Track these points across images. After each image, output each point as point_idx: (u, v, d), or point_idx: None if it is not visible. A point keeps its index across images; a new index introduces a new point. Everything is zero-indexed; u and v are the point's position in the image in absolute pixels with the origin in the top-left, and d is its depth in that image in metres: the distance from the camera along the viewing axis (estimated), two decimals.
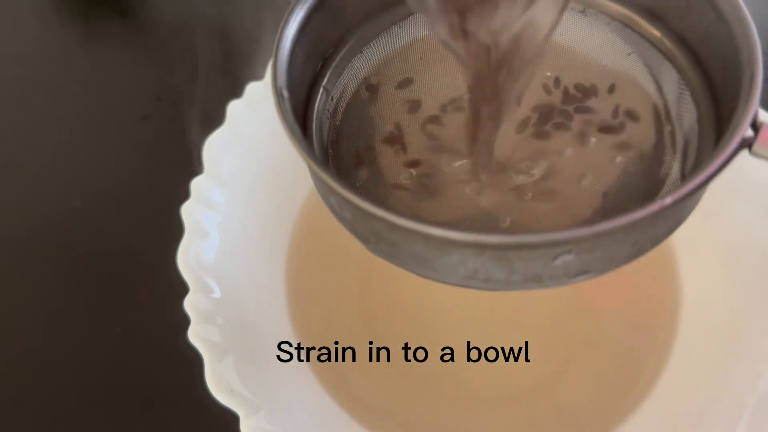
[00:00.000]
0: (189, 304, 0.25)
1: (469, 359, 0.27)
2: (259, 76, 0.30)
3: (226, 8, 0.39)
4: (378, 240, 0.19)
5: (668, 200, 0.16)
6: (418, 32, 0.23)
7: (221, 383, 0.24)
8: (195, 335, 0.24)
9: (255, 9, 0.38)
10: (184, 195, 0.27)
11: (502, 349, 0.28)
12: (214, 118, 0.29)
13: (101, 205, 0.33)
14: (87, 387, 0.29)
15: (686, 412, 0.26)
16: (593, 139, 0.22)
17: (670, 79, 0.22)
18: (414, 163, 0.22)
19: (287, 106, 0.19)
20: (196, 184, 0.28)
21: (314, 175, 0.20)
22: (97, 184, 0.33)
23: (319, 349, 0.28)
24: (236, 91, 0.30)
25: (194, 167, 0.28)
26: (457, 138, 0.22)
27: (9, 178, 0.34)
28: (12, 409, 0.28)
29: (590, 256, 0.18)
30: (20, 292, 0.31)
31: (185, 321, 0.25)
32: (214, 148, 0.29)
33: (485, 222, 0.21)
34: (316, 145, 0.21)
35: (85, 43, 0.39)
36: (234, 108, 0.29)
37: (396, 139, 0.22)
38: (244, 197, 0.29)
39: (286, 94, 0.19)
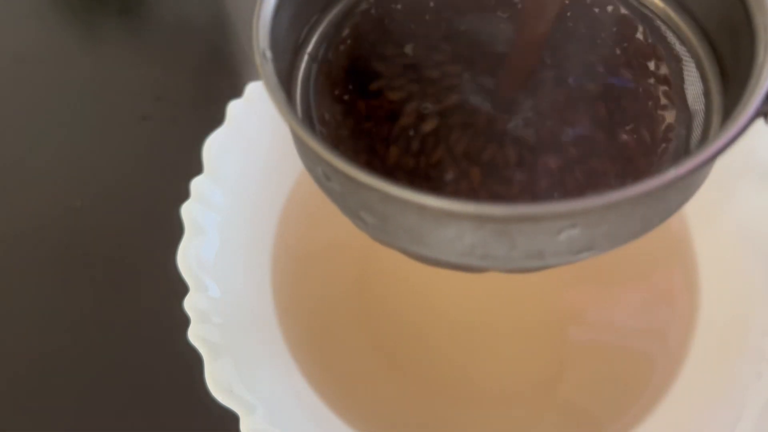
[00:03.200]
0: (189, 304, 0.25)
1: (472, 357, 0.27)
2: (259, 77, 0.30)
3: (226, 8, 0.39)
4: (368, 213, 0.18)
5: (681, 170, 0.15)
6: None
7: (221, 383, 0.24)
8: (194, 335, 0.24)
9: (255, 8, 0.38)
10: (184, 195, 0.27)
11: (507, 346, 0.28)
12: (214, 118, 0.29)
13: (101, 205, 0.33)
14: (86, 387, 0.29)
15: (696, 416, 0.26)
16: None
17: (674, 50, 0.21)
18: (407, 126, 0.21)
19: (270, 67, 0.18)
20: (196, 184, 0.28)
21: (300, 144, 0.19)
22: (97, 184, 0.33)
23: (318, 349, 0.28)
24: (236, 91, 0.30)
25: (194, 167, 0.28)
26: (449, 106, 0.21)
27: (9, 178, 0.34)
28: (11, 409, 0.28)
29: (596, 230, 0.17)
30: (20, 291, 0.31)
31: (185, 321, 0.25)
32: (214, 148, 0.29)
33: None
34: (301, 114, 0.20)
35: (85, 43, 0.39)
36: (234, 108, 0.29)
37: (387, 105, 0.21)
38: (244, 197, 0.29)
39: (269, 55, 0.18)
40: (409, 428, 0.27)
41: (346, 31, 0.22)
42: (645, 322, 0.28)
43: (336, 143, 0.20)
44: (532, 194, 0.19)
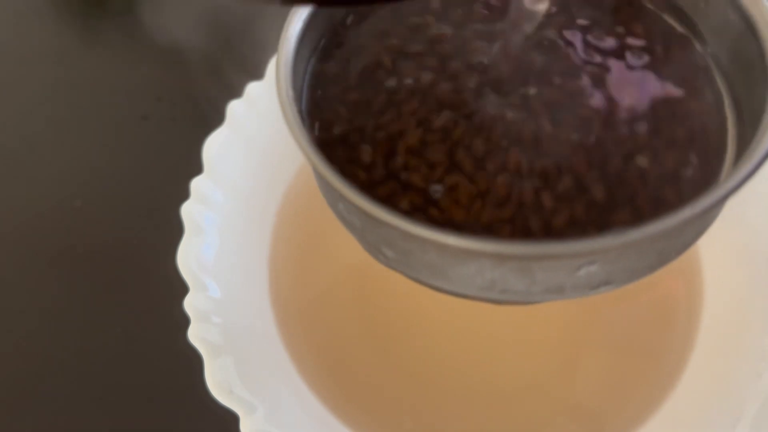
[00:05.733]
0: (189, 304, 0.25)
1: (473, 357, 0.27)
2: (259, 76, 0.30)
3: (226, 8, 0.39)
4: (389, 249, 0.18)
5: (697, 208, 0.16)
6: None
7: (221, 383, 0.24)
8: (195, 335, 0.24)
9: (255, 9, 0.38)
10: (184, 195, 0.27)
11: (509, 346, 0.28)
12: (214, 118, 0.30)
13: (101, 205, 0.33)
14: (86, 387, 0.29)
15: (696, 416, 0.26)
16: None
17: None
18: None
19: (293, 108, 0.18)
20: (196, 184, 0.28)
21: (321, 181, 0.19)
22: (97, 184, 0.33)
23: (318, 349, 0.28)
24: (236, 91, 0.30)
25: (194, 167, 0.28)
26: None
27: (9, 177, 0.34)
28: (11, 409, 0.28)
29: (615, 266, 0.17)
30: (19, 291, 0.31)
31: (185, 321, 0.25)
32: (214, 148, 0.29)
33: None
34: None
35: (85, 43, 0.39)
36: (234, 108, 0.29)
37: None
38: (244, 197, 0.29)
39: (291, 94, 0.18)
40: (409, 429, 0.27)
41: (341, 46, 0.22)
42: (648, 322, 0.28)
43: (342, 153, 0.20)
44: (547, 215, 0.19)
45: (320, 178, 0.19)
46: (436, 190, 0.19)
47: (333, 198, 0.19)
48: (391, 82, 0.21)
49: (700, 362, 0.27)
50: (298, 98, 0.19)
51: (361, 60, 0.21)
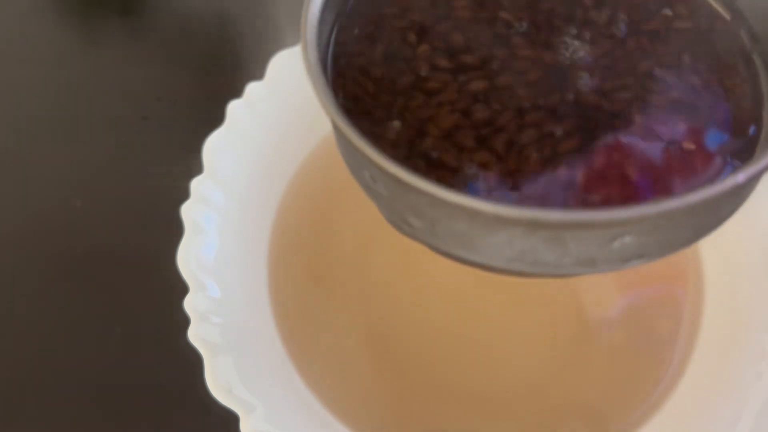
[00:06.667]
0: (189, 304, 0.25)
1: (474, 358, 0.27)
2: (259, 76, 0.30)
3: (226, 8, 0.39)
4: (416, 217, 0.18)
5: (741, 178, 0.15)
6: None
7: (221, 383, 0.24)
8: (195, 335, 0.25)
9: (255, 9, 0.38)
10: (184, 195, 0.27)
11: (510, 345, 0.28)
12: (214, 118, 0.30)
13: (101, 205, 0.33)
14: (86, 387, 0.29)
15: (696, 416, 0.26)
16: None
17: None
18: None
19: (319, 72, 0.17)
20: (196, 184, 0.28)
21: (346, 147, 0.18)
22: (97, 184, 0.33)
23: (317, 350, 0.28)
24: (236, 91, 0.30)
25: (194, 167, 0.28)
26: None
27: (8, 177, 0.34)
28: (11, 410, 0.28)
29: (650, 238, 0.17)
30: (19, 292, 0.31)
31: (185, 321, 0.25)
32: (214, 148, 0.29)
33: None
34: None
35: (85, 43, 0.39)
36: (234, 108, 0.29)
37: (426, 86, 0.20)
38: (244, 197, 0.29)
39: (316, 56, 0.18)
40: (409, 429, 0.27)
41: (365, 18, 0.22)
42: (649, 322, 0.28)
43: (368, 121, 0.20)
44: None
45: (346, 144, 0.18)
46: (470, 170, 0.18)
47: (358, 165, 0.19)
48: (417, 62, 0.20)
49: (700, 362, 0.27)
50: (323, 63, 0.18)
51: (386, 33, 0.21)
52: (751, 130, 0.20)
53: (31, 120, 0.36)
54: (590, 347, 0.28)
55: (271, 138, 0.30)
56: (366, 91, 0.20)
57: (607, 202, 0.18)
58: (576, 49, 0.20)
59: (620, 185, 0.18)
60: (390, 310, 0.29)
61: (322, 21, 0.19)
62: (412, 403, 0.27)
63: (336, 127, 0.17)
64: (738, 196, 0.18)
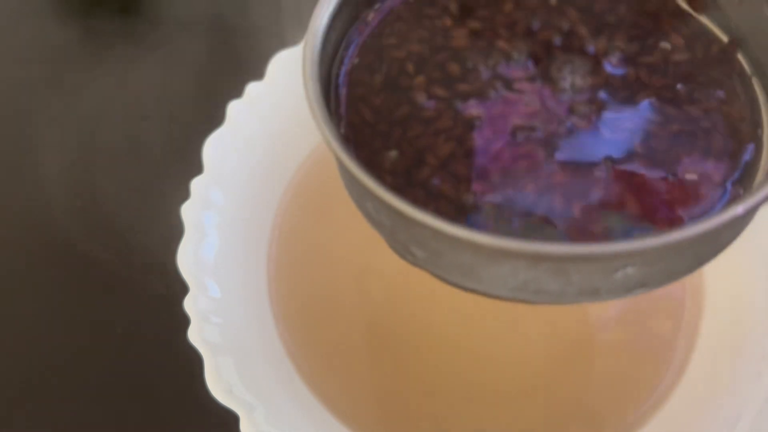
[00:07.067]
0: (189, 304, 0.25)
1: (474, 357, 0.27)
2: (259, 76, 0.30)
3: (226, 8, 0.39)
4: (419, 248, 0.18)
5: (740, 210, 0.16)
6: None
7: (221, 383, 0.24)
8: (195, 335, 0.25)
9: (255, 9, 0.38)
10: (184, 195, 0.27)
11: (509, 345, 0.28)
12: (214, 118, 0.30)
13: (101, 205, 0.33)
14: (86, 387, 0.29)
15: (696, 416, 0.26)
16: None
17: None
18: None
19: (321, 105, 0.18)
20: (196, 184, 0.28)
21: (349, 178, 0.18)
22: (97, 184, 0.33)
23: (317, 349, 0.28)
24: (236, 91, 0.30)
25: (194, 167, 0.28)
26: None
27: (9, 177, 0.34)
28: (11, 409, 0.28)
29: (652, 268, 0.17)
30: (19, 291, 0.31)
31: (185, 321, 0.25)
32: (214, 148, 0.29)
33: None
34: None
35: (85, 43, 0.39)
36: (234, 108, 0.29)
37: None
38: (244, 197, 0.29)
39: (317, 89, 0.18)
40: (409, 429, 0.27)
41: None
42: (649, 323, 0.28)
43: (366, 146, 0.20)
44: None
45: (348, 176, 0.18)
46: (468, 199, 0.18)
47: (360, 196, 0.19)
48: (417, 92, 0.20)
49: (700, 362, 0.27)
50: (325, 94, 0.18)
51: (386, 63, 0.21)
52: (751, 154, 0.20)
53: (30, 120, 0.36)
54: (590, 347, 0.28)
55: (271, 138, 0.30)
56: (365, 120, 0.20)
57: (608, 233, 0.18)
58: (573, 79, 0.20)
59: (620, 216, 0.18)
60: (390, 310, 0.29)
61: (323, 55, 0.19)
62: (411, 403, 0.27)
63: (338, 159, 0.17)
64: (739, 224, 0.18)
